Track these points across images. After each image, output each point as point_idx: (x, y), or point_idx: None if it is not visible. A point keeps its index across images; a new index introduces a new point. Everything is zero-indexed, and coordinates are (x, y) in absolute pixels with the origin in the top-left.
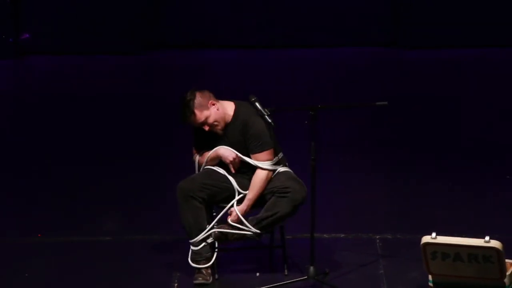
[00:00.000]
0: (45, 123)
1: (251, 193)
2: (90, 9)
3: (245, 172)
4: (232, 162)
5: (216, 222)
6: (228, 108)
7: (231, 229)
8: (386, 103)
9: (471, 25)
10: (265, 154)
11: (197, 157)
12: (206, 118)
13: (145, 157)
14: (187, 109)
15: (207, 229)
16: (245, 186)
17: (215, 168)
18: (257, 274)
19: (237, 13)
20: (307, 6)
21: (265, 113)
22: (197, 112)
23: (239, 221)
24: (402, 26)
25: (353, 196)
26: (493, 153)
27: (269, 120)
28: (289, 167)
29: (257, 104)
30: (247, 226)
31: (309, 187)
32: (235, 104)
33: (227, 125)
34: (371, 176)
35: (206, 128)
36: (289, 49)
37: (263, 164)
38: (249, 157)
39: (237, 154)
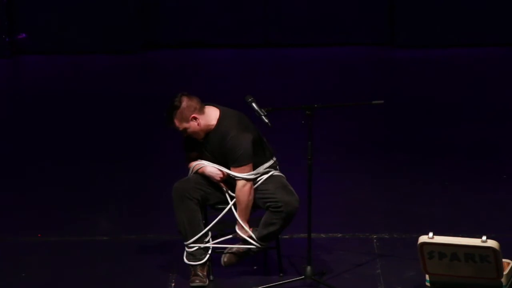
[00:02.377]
0: (41, 123)
1: (239, 207)
2: (86, 8)
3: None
4: (220, 180)
5: (212, 226)
6: (212, 117)
7: (237, 251)
8: (382, 101)
9: (467, 24)
10: (242, 169)
11: (189, 164)
12: (185, 129)
13: (141, 157)
14: (169, 116)
15: (202, 232)
16: (234, 188)
17: None
18: (254, 267)
19: (233, 12)
20: (302, 5)
21: (262, 114)
22: (176, 122)
23: (248, 235)
24: (397, 25)
25: (350, 195)
26: (489, 153)
27: (266, 121)
28: (286, 167)
29: (253, 104)
30: (254, 240)
31: (306, 187)
32: (220, 113)
33: (208, 133)
34: (368, 176)
35: (185, 135)
36: (285, 48)
37: (241, 175)
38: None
39: (223, 172)
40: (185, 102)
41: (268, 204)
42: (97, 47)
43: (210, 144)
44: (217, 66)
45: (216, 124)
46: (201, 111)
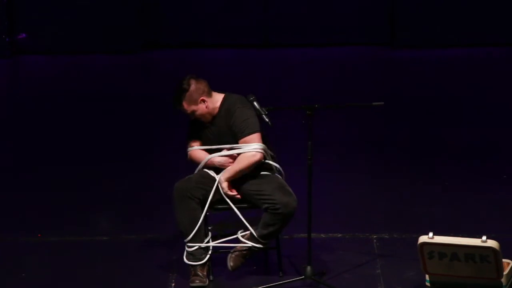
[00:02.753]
0: (41, 123)
1: (234, 166)
2: (86, 8)
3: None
4: (230, 165)
5: (209, 223)
6: (217, 101)
7: (240, 252)
8: (382, 103)
9: (467, 24)
10: (251, 138)
11: (190, 151)
12: (192, 112)
13: (142, 157)
14: (177, 98)
15: (196, 227)
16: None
17: (209, 171)
18: (254, 267)
19: (233, 12)
20: (302, 5)
21: (263, 112)
22: (185, 104)
23: (228, 194)
24: (397, 25)
25: (350, 195)
26: (489, 153)
27: (266, 120)
28: (286, 167)
29: (255, 103)
30: (255, 239)
31: (306, 187)
32: (224, 95)
33: (214, 117)
34: (368, 176)
35: (192, 117)
36: (285, 49)
37: (252, 146)
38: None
39: (231, 156)
40: (193, 85)
41: (267, 205)
42: (97, 47)
43: (216, 125)
44: (217, 66)
45: (221, 104)
46: (209, 94)
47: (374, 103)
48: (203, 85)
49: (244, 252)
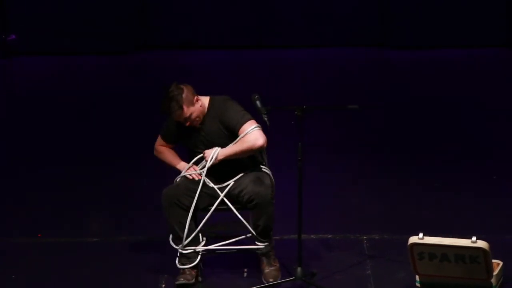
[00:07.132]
0: (35, 124)
1: (238, 145)
2: (80, 9)
3: (221, 169)
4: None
5: (202, 226)
6: (205, 102)
7: (268, 261)
8: (356, 106)
9: (464, 25)
10: (249, 124)
11: (160, 149)
12: (191, 114)
13: (133, 158)
14: (175, 103)
15: (185, 233)
16: (223, 189)
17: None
18: (245, 270)
19: (229, 14)
20: (297, 6)
21: (263, 112)
22: (185, 107)
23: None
24: (390, 26)
25: (341, 196)
26: (479, 153)
27: (265, 119)
28: (278, 167)
29: (257, 102)
30: (257, 240)
31: (296, 188)
32: (210, 97)
33: (204, 117)
34: (358, 177)
35: (187, 123)
36: (279, 50)
37: (252, 127)
38: (229, 143)
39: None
40: (184, 87)
41: (245, 199)
42: (92, 48)
43: (206, 126)
44: (211, 66)
45: (209, 105)
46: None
47: (349, 106)
48: (190, 87)
49: (266, 257)
